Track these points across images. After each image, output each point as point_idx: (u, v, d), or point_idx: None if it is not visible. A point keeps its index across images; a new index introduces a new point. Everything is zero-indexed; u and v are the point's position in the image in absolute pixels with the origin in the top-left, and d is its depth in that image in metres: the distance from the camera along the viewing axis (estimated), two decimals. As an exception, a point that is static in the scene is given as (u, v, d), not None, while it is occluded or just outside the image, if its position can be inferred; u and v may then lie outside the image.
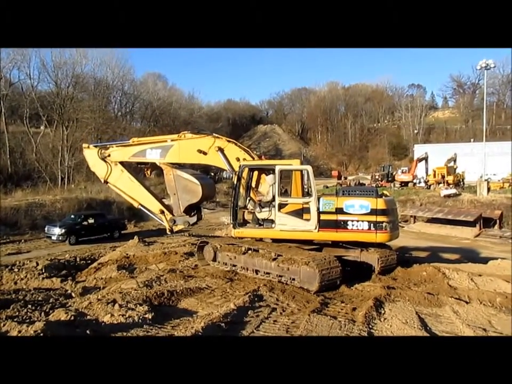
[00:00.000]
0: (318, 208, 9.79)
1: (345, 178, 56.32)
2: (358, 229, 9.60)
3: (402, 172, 47.60)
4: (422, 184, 42.94)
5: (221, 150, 11.03)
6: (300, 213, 10.11)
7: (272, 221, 10.24)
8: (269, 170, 10.83)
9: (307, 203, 9.98)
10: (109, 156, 12.50)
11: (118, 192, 13.05)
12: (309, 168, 10.40)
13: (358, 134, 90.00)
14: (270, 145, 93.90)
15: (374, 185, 43.30)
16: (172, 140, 11.71)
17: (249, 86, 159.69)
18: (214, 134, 11.63)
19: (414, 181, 44.40)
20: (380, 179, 48.18)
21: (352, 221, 9.62)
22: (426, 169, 44.34)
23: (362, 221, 9.55)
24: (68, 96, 44.90)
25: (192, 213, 11.77)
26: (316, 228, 9.83)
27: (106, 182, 12.79)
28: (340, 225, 9.72)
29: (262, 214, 10.57)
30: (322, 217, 9.78)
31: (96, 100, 50.01)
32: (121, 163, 12.60)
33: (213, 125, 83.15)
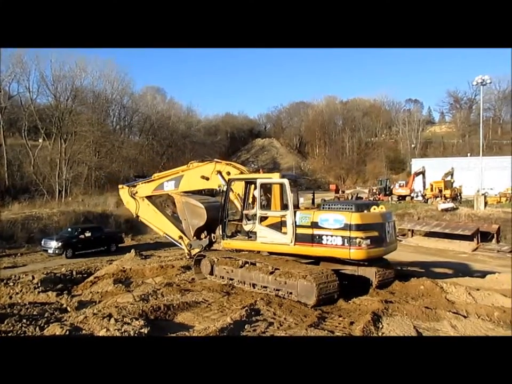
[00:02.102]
0: (295, 222, 9.69)
1: (343, 192, 56.30)
2: (332, 244, 9.25)
3: (399, 186, 47.60)
4: (420, 198, 43.02)
5: (220, 173, 11.69)
6: (279, 226, 10.10)
7: (256, 233, 10.33)
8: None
9: (284, 216, 9.97)
10: (137, 192, 14.14)
11: (147, 224, 14.65)
12: (286, 181, 10.22)
13: (356, 148, 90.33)
14: (268, 159, 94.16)
15: (371, 198, 43.44)
16: (183, 171, 12.80)
17: (248, 100, 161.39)
18: (215, 159, 12.49)
19: (412, 194, 44.47)
20: (377, 193, 48.18)
21: (327, 235, 9.28)
22: (424, 183, 44.49)
23: (336, 236, 9.19)
24: (66, 109, 44.93)
25: (204, 236, 12.41)
26: (291, 242, 9.72)
27: (137, 216, 14.40)
28: (315, 240, 9.44)
29: (248, 226, 10.68)
30: (299, 231, 9.63)
31: (95, 113, 50.14)
32: (147, 198, 14.12)
33: (211, 138, 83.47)
